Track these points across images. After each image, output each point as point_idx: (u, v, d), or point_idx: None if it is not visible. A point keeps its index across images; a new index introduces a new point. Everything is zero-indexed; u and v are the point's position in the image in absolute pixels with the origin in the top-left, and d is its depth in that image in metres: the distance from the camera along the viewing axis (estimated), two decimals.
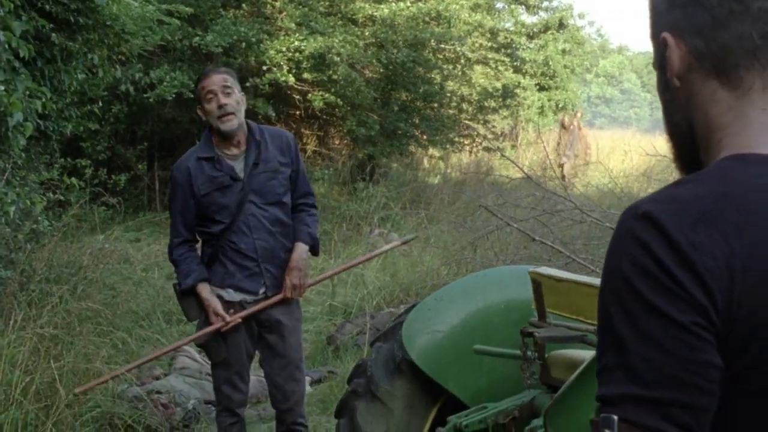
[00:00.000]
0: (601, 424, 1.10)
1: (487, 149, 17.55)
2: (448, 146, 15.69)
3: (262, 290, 4.36)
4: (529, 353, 3.38)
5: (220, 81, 4.25)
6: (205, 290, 4.28)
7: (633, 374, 1.09)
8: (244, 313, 4.31)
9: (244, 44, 11.83)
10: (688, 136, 1.29)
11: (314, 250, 4.54)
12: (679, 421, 1.08)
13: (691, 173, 1.32)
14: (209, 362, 4.61)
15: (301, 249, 4.41)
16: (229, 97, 4.24)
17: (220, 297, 4.30)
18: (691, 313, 1.09)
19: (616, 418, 1.09)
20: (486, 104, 16.63)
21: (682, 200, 1.14)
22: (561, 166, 17.17)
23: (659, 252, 1.10)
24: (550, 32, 22.53)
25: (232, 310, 4.29)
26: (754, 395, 1.13)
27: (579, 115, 20.06)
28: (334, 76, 12.23)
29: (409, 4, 13.22)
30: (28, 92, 5.73)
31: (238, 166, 4.29)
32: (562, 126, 17.96)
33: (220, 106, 4.21)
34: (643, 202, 1.16)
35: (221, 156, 4.29)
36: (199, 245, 4.46)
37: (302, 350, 4.59)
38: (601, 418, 1.10)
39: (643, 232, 1.12)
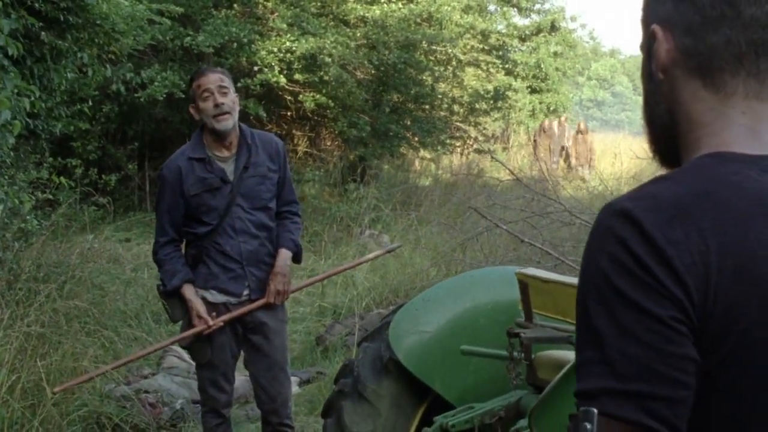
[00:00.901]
0: (581, 419, 1.10)
1: (478, 151, 17.57)
2: (439, 148, 15.69)
3: (245, 292, 4.35)
4: (515, 354, 3.39)
5: (217, 80, 4.24)
6: (189, 291, 4.27)
7: (612, 368, 1.10)
8: (227, 317, 4.30)
9: (235, 44, 11.81)
10: (670, 128, 1.30)
11: (297, 258, 4.54)
12: (657, 414, 1.09)
13: (664, 159, 1.35)
14: None
15: (285, 255, 4.42)
16: (225, 97, 4.24)
17: (203, 298, 4.29)
18: (668, 307, 1.10)
19: (595, 411, 1.09)
20: (477, 106, 16.64)
21: (658, 197, 1.15)
22: (569, 169, 17.27)
23: (636, 248, 1.11)
24: (542, 35, 22.65)
25: (214, 313, 4.29)
26: (726, 391, 1.14)
27: (564, 119, 20.06)
28: (326, 77, 12.22)
29: (400, 5, 13.23)
30: (16, 91, 5.71)
31: (229, 169, 4.29)
32: (542, 130, 17.89)
33: (217, 105, 4.20)
34: (620, 200, 1.17)
35: (212, 157, 4.28)
36: (182, 245, 4.45)
37: (287, 351, 4.58)
38: (580, 411, 1.10)
39: (620, 229, 1.13)
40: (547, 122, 18.76)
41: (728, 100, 1.23)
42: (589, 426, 1.09)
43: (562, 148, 19.59)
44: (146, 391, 5.61)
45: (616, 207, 1.16)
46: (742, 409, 1.15)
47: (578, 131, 19.58)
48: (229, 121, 4.24)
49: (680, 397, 1.10)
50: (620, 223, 1.14)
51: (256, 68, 12.03)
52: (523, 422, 3.21)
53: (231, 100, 4.27)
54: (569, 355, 3.29)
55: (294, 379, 6.32)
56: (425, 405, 3.75)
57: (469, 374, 3.67)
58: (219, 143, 4.29)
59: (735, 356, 1.12)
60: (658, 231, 1.11)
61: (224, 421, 4.47)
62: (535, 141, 19.20)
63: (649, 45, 1.31)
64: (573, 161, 18.92)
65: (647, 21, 1.32)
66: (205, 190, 4.25)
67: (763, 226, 1.13)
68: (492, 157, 13.98)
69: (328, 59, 11.94)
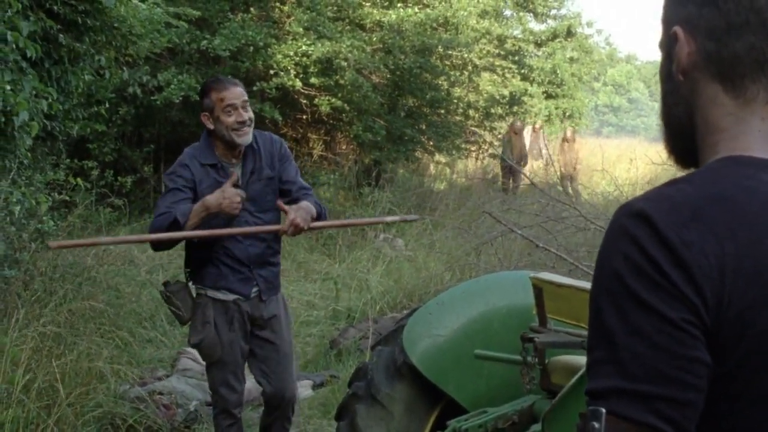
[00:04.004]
0: (589, 417, 1.11)
1: (493, 156, 17.53)
2: (454, 152, 15.68)
3: (254, 290, 4.39)
4: (529, 358, 3.38)
5: (240, 94, 4.25)
6: (200, 204, 4.13)
7: (622, 368, 1.11)
8: (254, 229, 4.24)
9: (251, 48, 11.84)
10: (688, 129, 1.30)
11: (320, 216, 4.34)
12: (665, 416, 1.09)
13: (680, 159, 1.35)
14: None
15: (308, 203, 4.27)
16: (247, 112, 4.26)
17: (215, 297, 4.32)
18: (681, 309, 1.10)
19: (603, 410, 1.10)
20: (493, 111, 16.63)
21: (674, 199, 1.16)
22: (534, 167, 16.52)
23: (651, 249, 1.12)
24: (558, 40, 22.64)
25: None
26: (740, 394, 1.14)
27: (538, 126, 19.34)
28: (341, 81, 12.24)
29: (417, 10, 13.24)
30: (34, 92, 5.75)
31: (238, 174, 4.32)
32: (514, 132, 17.00)
33: (241, 122, 4.21)
34: (636, 201, 1.18)
35: (223, 164, 4.31)
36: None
37: (293, 345, 4.64)
38: (589, 410, 1.11)
39: (635, 230, 1.14)
40: (519, 123, 17.09)
41: (748, 106, 1.24)
42: (597, 425, 1.10)
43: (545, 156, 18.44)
44: (160, 393, 5.63)
45: (632, 208, 1.16)
46: (755, 416, 1.15)
47: (564, 139, 18.12)
48: (249, 135, 4.27)
49: (689, 399, 1.10)
50: (635, 223, 1.14)
51: (272, 72, 12.06)
52: (536, 427, 3.21)
53: (251, 114, 4.30)
54: (583, 360, 3.28)
55: (307, 382, 6.33)
56: (438, 409, 3.75)
57: (482, 378, 3.67)
58: (229, 151, 4.32)
59: (749, 360, 1.12)
60: (674, 233, 1.11)
61: (236, 422, 4.49)
62: (509, 138, 17.15)
63: (669, 45, 1.31)
64: (559, 171, 17.75)
65: (668, 21, 1.32)
66: None
67: None
68: (507, 162, 13.93)
69: (343, 63, 11.96)
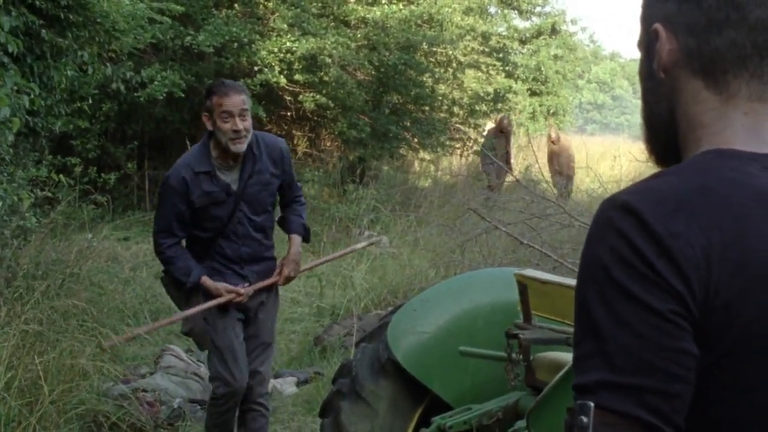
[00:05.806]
0: (577, 412, 1.10)
1: (478, 153, 17.53)
2: (438, 149, 15.68)
3: (246, 284, 4.49)
4: (513, 355, 3.38)
5: (240, 103, 4.24)
6: (209, 281, 4.38)
7: (609, 361, 1.10)
8: (255, 287, 4.46)
9: (235, 44, 11.81)
10: (670, 127, 1.30)
11: (306, 239, 4.75)
12: (653, 408, 1.08)
13: (660, 158, 1.35)
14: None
15: (297, 241, 4.65)
16: (245, 121, 4.25)
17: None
18: (668, 300, 1.09)
19: (592, 405, 1.09)
20: (477, 108, 16.61)
21: (659, 191, 1.15)
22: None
23: (637, 241, 1.11)
24: (542, 37, 22.70)
25: (246, 284, 4.44)
26: (727, 384, 1.14)
27: (507, 122, 18.20)
28: (326, 78, 12.23)
29: (401, 6, 13.23)
30: (16, 88, 5.71)
31: (233, 177, 4.37)
32: (500, 131, 15.93)
33: (236, 131, 4.21)
34: (621, 194, 1.17)
35: (217, 168, 4.32)
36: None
37: (275, 335, 4.80)
38: (577, 405, 1.11)
39: (621, 222, 1.13)
40: (506, 121, 15.55)
41: (730, 102, 1.24)
42: (585, 419, 1.09)
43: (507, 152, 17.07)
44: (144, 390, 5.61)
45: (617, 200, 1.16)
46: (742, 405, 1.15)
47: (550, 140, 16.32)
48: (244, 144, 4.29)
49: (677, 391, 1.10)
50: (621, 215, 1.13)
51: (256, 68, 12.03)
52: (520, 423, 3.21)
53: (249, 123, 4.29)
54: (567, 356, 3.28)
55: (292, 379, 6.33)
56: (423, 406, 3.75)
57: (467, 375, 3.67)
58: (227, 155, 4.33)
59: (734, 351, 1.12)
60: (660, 224, 1.11)
61: (229, 408, 4.53)
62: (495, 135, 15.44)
63: (648, 43, 1.31)
64: (556, 175, 16.56)
65: (647, 19, 1.31)
66: (211, 202, 4.33)
67: (762, 223, 1.14)
68: (491, 159, 13.93)
69: (328, 60, 11.95)
